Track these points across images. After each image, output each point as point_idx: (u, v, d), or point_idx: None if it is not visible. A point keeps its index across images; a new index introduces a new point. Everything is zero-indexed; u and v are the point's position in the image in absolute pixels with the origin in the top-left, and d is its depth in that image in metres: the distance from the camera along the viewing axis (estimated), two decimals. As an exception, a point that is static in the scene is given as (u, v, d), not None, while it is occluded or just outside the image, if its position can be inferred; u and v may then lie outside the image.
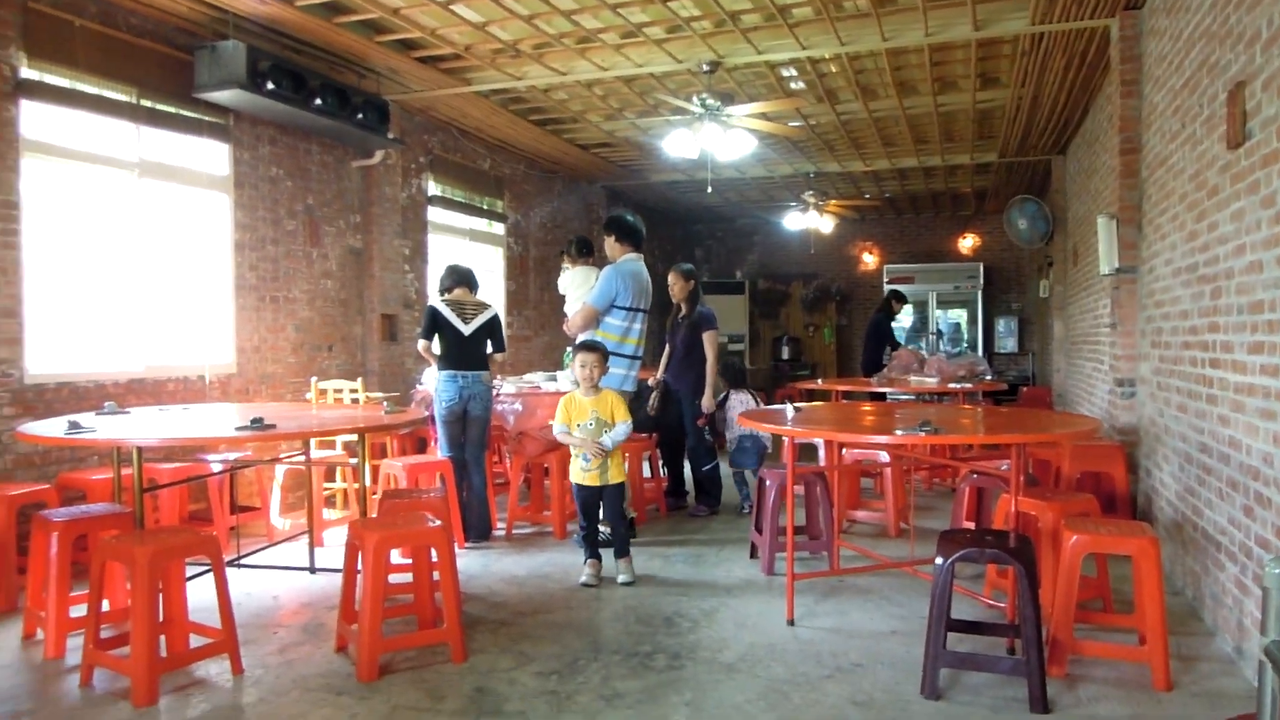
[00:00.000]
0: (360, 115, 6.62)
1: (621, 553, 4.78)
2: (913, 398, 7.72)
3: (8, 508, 4.32)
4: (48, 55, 5.04)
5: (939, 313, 14.69)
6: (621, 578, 4.72)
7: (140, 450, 3.74)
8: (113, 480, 4.30)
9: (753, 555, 5.23)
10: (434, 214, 8.69)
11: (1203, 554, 4.09)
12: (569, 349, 5.57)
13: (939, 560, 3.22)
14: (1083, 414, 7.68)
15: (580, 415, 4.69)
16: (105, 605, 3.72)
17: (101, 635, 3.52)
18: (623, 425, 4.70)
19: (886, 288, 13.45)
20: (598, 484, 4.71)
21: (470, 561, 5.13)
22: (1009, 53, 6.83)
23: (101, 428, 3.79)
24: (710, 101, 6.80)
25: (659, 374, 6.66)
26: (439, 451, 5.63)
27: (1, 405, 4.81)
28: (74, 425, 3.75)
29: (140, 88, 5.60)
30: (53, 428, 3.80)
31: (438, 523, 3.72)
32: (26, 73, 4.93)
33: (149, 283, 5.82)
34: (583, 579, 4.72)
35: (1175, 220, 4.67)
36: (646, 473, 6.63)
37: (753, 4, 5.73)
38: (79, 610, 3.72)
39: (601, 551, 4.83)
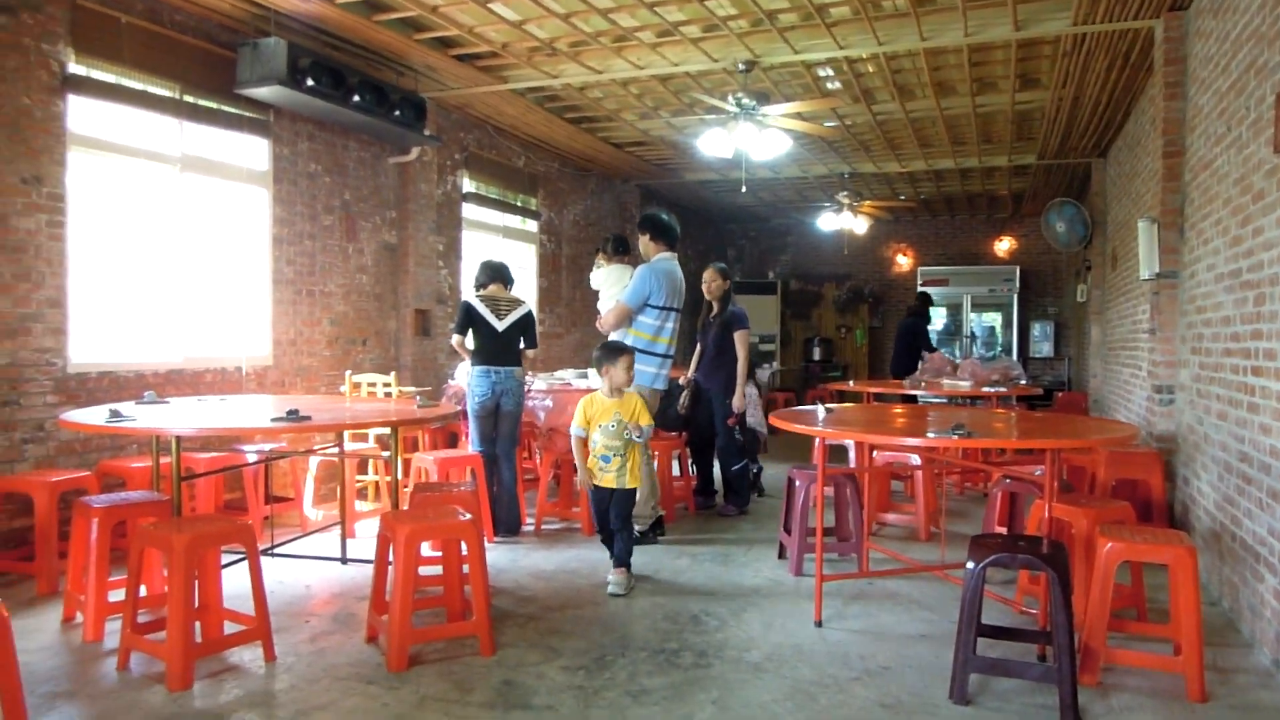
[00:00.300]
0: (397, 112, 6.68)
1: (620, 562, 4.60)
2: (945, 401, 7.65)
3: (50, 494, 4.41)
4: (95, 51, 5.14)
5: (973, 316, 14.55)
6: (611, 588, 4.51)
7: (179, 440, 3.81)
8: (151, 468, 4.39)
9: (781, 555, 5.22)
10: (468, 210, 8.75)
11: (1241, 564, 4.02)
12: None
13: (970, 564, 3.19)
14: (1119, 420, 7.57)
15: (603, 416, 4.53)
16: (143, 591, 3.79)
17: (139, 620, 3.59)
18: (646, 428, 4.60)
19: (919, 289, 13.36)
20: (613, 486, 4.55)
21: (499, 556, 5.17)
22: (1050, 53, 6.75)
23: (141, 417, 3.86)
24: (746, 101, 6.78)
25: (690, 373, 6.66)
26: (470, 446, 5.68)
27: (45, 393, 4.91)
28: (114, 414, 3.82)
29: (183, 83, 5.70)
30: (94, 416, 3.88)
31: (468, 516, 3.75)
32: (74, 68, 5.03)
33: (189, 275, 5.92)
34: (610, 589, 4.55)
35: (1219, 225, 4.59)
36: (675, 471, 6.63)
37: (790, 3, 5.71)
38: (117, 595, 3.79)
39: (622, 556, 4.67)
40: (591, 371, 6.31)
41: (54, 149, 4.93)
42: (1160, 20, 5.59)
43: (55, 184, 4.93)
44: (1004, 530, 4.75)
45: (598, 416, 4.57)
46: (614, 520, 4.57)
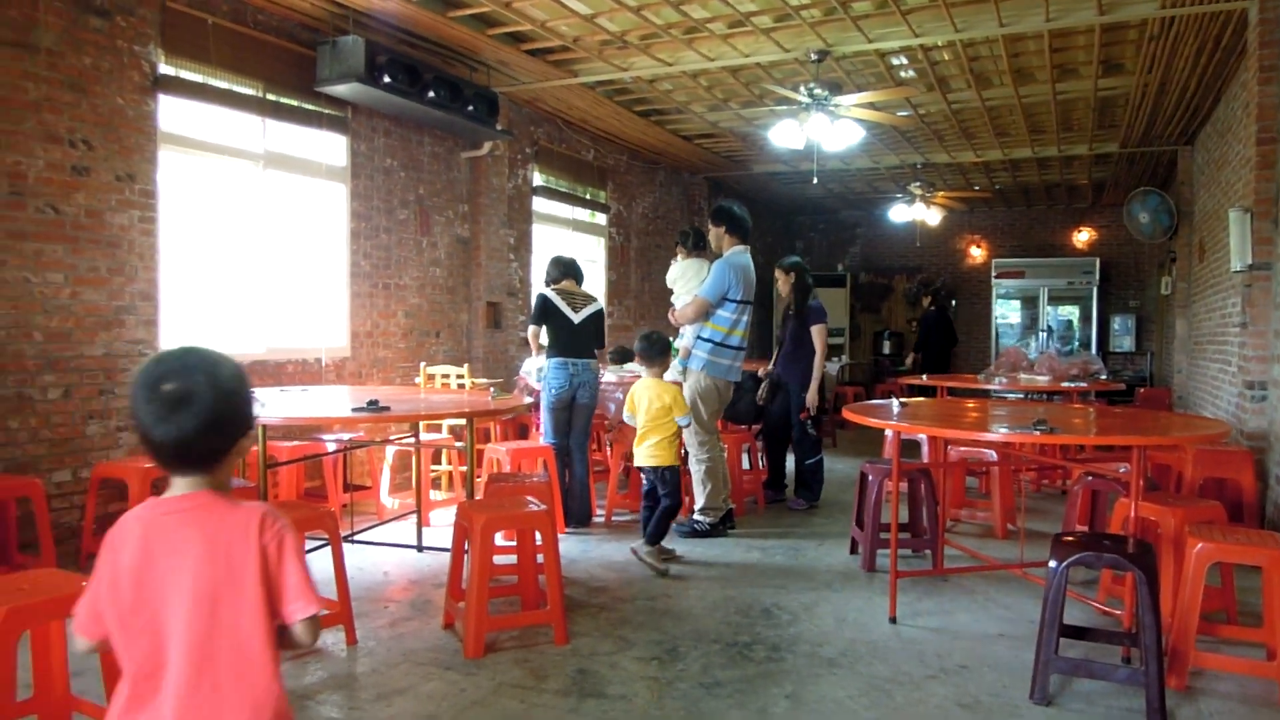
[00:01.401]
0: (470, 107, 6.77)
1: (652, 539, 4.87)
2: (1022, 396, 7.48)
3: (143, 480, 4.59)
4: (183, 52, 5.32)
5: (1049, 309, 14.15)
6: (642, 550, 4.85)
7: (265, 428, 3.93)
8: (238, 456, 4.52)
9: (853, 551, 5.16)
10: (538, 204, 8.83)
11: (1340, 568, 3.84)
12: (674, 341, 5.59)
13: (1053, 563, 3.12)
14: (1207, 417, 7.30)
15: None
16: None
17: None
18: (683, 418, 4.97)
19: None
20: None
21: (570, 547, 5.22)
22: (1135, 38, 6.52)
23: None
24: (818, 91, 6.71)
25: (770, 365, 6.66)
26: (543, 438, 5.73)
27: (138, 383, 5.11)
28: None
29: (266, 82, 5.86)
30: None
31: (542, 506, 3.79)
32: (164, 69, 5.22)
33: (271, 269, 6.10)
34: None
35: (1318, 214, 4.39)
36: (745, 465, 6.61)
37: (864, -9, 5.64)
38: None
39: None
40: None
41: (145, 147, 5.12)
42: (1254, 1, 5.36)
43: (147, 181, 5.13)
44: (1085, 529, 4.63)
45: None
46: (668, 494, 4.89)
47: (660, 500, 4.88)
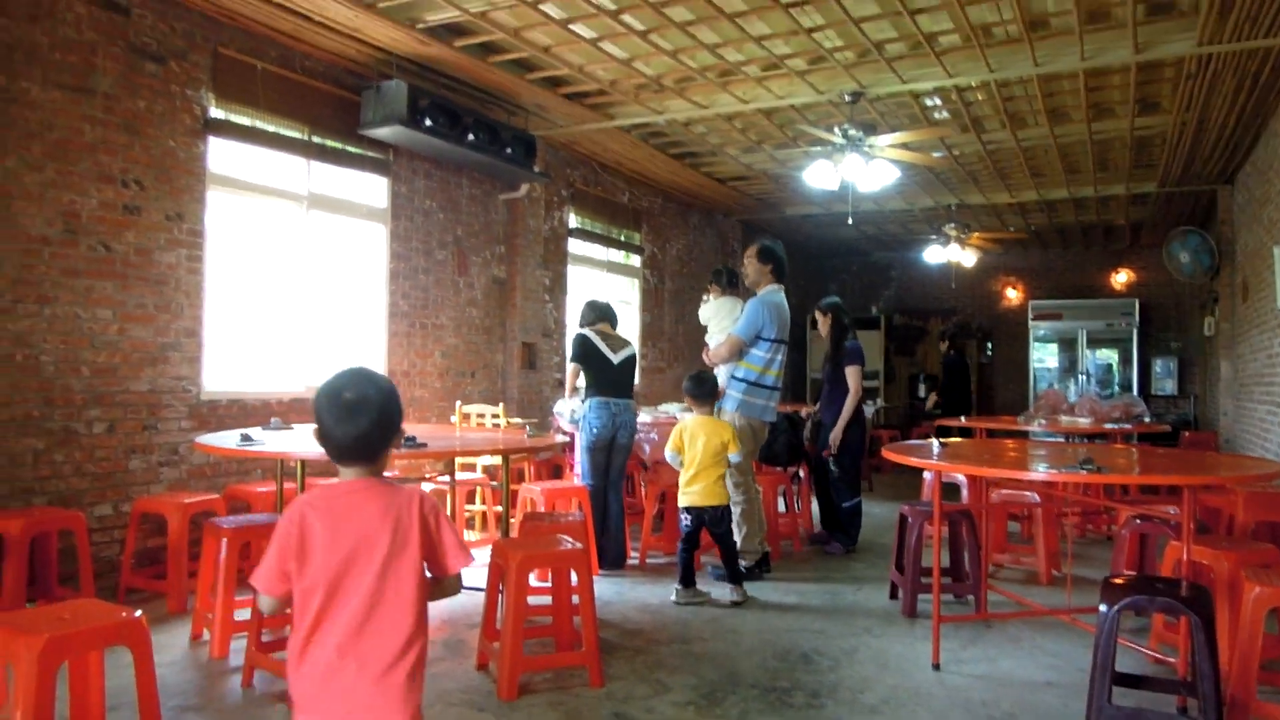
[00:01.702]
0: (509, 150, 6.87)
1: (734, 578, 4.96)
2: (1062, 439, 7.35)
3: (182, 515, 4.63)
4: (233, 96, 5.46)
5: (1088, 353, 13.94)
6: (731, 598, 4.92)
7: (304, 463, 3.95)
8: (275, 492, 4.56)
9: (892, 596, 5.06)
10: (574, 245, 8.91)
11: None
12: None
13: (1103, 607, 3.03)
14: (1257, 457, 7.11)
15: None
16: (267, 611, 3.93)
17: (262, 639, 3.71)
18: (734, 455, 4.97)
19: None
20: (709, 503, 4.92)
21: (605, 589, 5.16)
22: (1172, 76, 6.49)
23: (269, 441, 4.03)
24: (852, 132, 6.73)
25: (815, 406, 6.65)
26: (579, 479, 5.70)
27: (180, 419, 5.18)
28: (245, 438, 4.00)
29: (312, 125, 6.00)
30: (226, 440, 4.07)
31: (578, 545, 3.76)
32: (215, 112, 5.36)
33: (311, 308, 6.18)
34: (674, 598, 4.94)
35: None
36: (781, 507, 6.54)
37: (898, 33, 5.67)
38: (243, 614, 3.93)
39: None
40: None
41: (195, 188, 5.24)
42: (1296, 39, 5.33)
43: (195, 220, 5.24)
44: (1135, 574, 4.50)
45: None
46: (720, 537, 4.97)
47: (697, 541, 4.94)
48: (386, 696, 1.84)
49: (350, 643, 1.84)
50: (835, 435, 6.27)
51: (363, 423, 1.91)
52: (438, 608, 4.78)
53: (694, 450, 4.89)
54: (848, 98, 6.62)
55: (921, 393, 14.84)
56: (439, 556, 1.93)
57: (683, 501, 4.96)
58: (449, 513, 5.53)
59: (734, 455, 4.94)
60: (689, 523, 4.96)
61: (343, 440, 1.92)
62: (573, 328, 5.98)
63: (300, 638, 1.86)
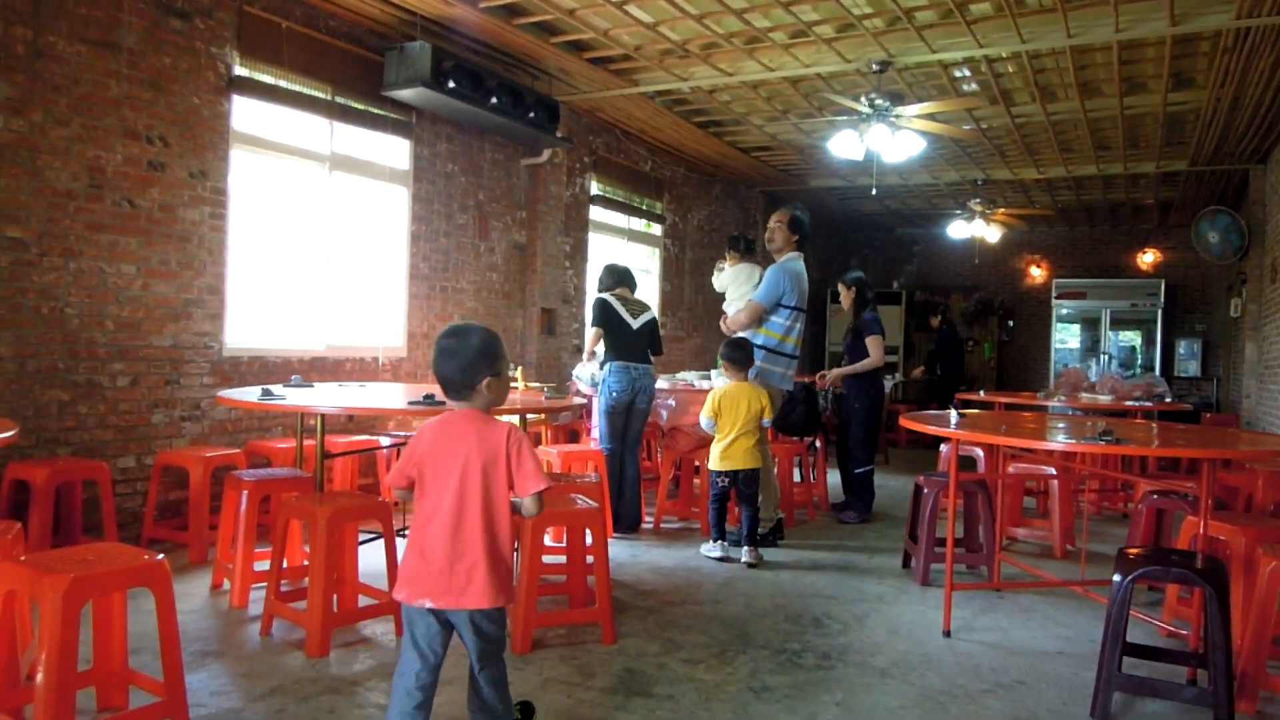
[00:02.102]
0: (532, 114, 6.85)
1: (751, 540, 5.09)
2: (1082, 414, 7.30)
3: (204, 468, 4.70)
4: (257, 55, 5.46)
5: (1111, 333, 13.80)
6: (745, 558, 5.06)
7: (323, 417, 3.99)
8: (295, 449, 4.61)
9: (905, 564, 5.08)
10: (595, 213, 8.89)
11: None
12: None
13: (1117, 576, 3.03)
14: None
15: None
16: (284, 563, 3.99)
17: (281, 589, 3.77)
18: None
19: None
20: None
21: (619, 551, 5.20)
22: (1208, 50, 6.37)
23: (291, 396, 4.07)
24: (879, 101, 6.66)
25: (825, 373, 6.77)
26: (597, 442, 5.73)
27: (202, 375, 5.24)
28: (266, 392, 4.04)
29: (335, 85, 6.00)
30: (248, 395, 4.11)
31: (593, 504, 3.79)
32: (239, 70, 5.37)
33: (332, 268, 6.22)
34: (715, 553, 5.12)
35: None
36: (797, 477, 6.55)
37: (929, 0, 5.59)
38: (262, 565, 4.00)
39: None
40: (714, 373, 6.32)
41: (218, 146, 5.26)
42: (1337, 11, 5.21)
43: (219, 178, 5.27)
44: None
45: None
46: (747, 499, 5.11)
47: (741, 503, 5.11)
48: (466, 581, 2.30)
49: (443, 535, 2.31)
50: (836, 374, 6.54)
51: (449, 365, 2.37)
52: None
53: (735, 415, 5.02)
54: (875, 67, 6.54)
55: (940, 369, 14.77)
56: (517, 479, 2.35)
57: (721, 465, 5.08)
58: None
59: (766, 420, 5.13)
60: (725, 484, 5.11)
61: (438, 377, 2.42)
62: (592, 295, 5.98)
63: (414, 527, 2.37)
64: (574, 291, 8.49)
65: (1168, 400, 7.13)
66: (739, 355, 5.17)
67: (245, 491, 4.01)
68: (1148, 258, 14.04)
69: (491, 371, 2.39)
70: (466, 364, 2.37)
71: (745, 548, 5.03)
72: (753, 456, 5.06)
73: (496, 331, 2.50)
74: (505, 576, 2.36)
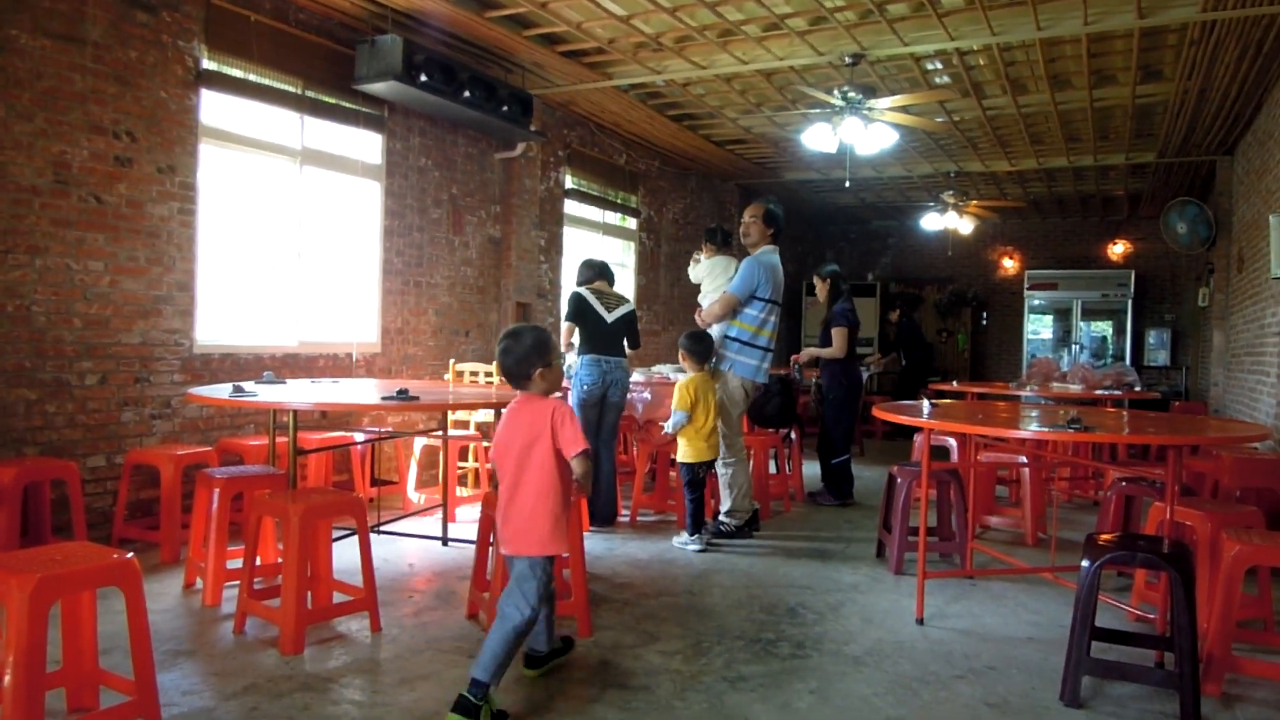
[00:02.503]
0: (505, 108, 6.81)
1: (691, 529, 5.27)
2: (1053, 403, 7.38)
3: (175, 466, 4.65)
4: (226, 48, 5.41)
5: (1083, 324, 13.95)
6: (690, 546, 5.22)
7: (296, 413, 3.97)
8: (267, 446, 4.58)
9: (879, 554, 5.12)
10: (570, 207, 8.87)
11: (1383, 579, 3.75)
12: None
13: (1085, 562, 3.07)
14: (1245, 421, 7.16)
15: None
16: (257, 561, 3.96)
17: (254, 587, 3.74)
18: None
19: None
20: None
21: (595, 545, 5.21)
22: (1175, 43, 6.44)
23: (263, 393, 4.04)
24: (851, 94, 6.69)
25: (799, 357, 6.97)
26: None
27: (172, 372, 5.19)
28: (238, 389, 4.01)
29: (305, 79, 5.94)
30: (219, 391, 4.08)
31: (569, 498, 3.80)
32: (207, 64, 5.31)
33: (305, 264, 6.17)
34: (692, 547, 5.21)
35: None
36: (773, 469, 6.58)
37: (900, -7, 5.62)
38: (235, 563, 3.97)
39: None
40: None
41: (187, 140, 5.20)
42: (1299, 4, 5.29)
43: (188, 173, 5.21)
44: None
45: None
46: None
47: (699, 490, 5.24)
48: (529, 527, 2.90)
49: (511, 494, 2.92)
50: (808, 353, 6.79)
51: (508, 360, 2.93)
52: (428, 558, 4.85)
53: (707, 405, 5.14)
54: (848, 60, 6.57)
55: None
56: (561, 443, 2.88)
57: (698, 457, 5.17)
58: (441, 467, 5.57)
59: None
60: (701, 475, 5.23)
61: (501, 370, 2.99)
62: (568, 289, 5.98)
63: (498, 490, 2.99)
64: (549, 286, 8.48)
65: (1137, 389, 7.22)
66: (699, 348, 5.26)
67: (217, 489, 3.98)
68: (1118, 249, 14.21)
69: (543, 363, 2.93)
70: (522, 358, 2.91)
71: (699, 534, 5.24)
72: (716, 446, 5.26)
73: (547, 330, 3.04)
74: (560, 530, 2.92)
